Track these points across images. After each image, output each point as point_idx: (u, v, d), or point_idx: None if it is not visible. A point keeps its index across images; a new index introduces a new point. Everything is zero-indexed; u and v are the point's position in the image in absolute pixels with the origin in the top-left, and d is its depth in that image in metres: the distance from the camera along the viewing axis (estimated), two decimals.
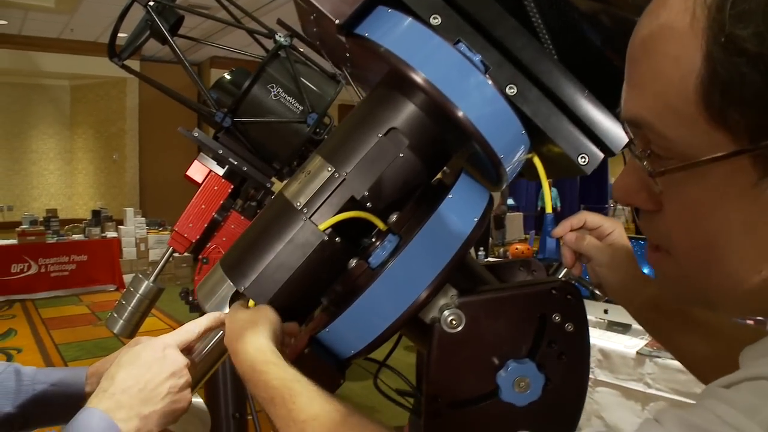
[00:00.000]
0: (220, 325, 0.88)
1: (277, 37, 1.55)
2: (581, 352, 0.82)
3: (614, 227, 0.93)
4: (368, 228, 0.85)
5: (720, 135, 0.44)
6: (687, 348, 0.89)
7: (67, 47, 10.79)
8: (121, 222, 9.76)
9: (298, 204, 0.83)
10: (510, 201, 12.33)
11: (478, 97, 0.76)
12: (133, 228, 9.62)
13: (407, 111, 0.82)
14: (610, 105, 0.80)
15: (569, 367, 0.81)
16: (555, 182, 12.54)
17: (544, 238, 0.91)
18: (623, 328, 3.08)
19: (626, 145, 0.61)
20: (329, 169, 0.83)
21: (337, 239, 0.83)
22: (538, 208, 12.58)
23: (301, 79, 1.58)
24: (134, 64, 11.10)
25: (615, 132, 0.80)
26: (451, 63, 0.76)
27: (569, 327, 0.80)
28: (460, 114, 0.74)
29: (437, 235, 0.78)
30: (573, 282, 0.86)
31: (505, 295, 0.81)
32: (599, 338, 3.01)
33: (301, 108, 1.57)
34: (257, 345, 0.77)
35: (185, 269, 9.07)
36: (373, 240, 0.84)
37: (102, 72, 11.17)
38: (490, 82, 0.76)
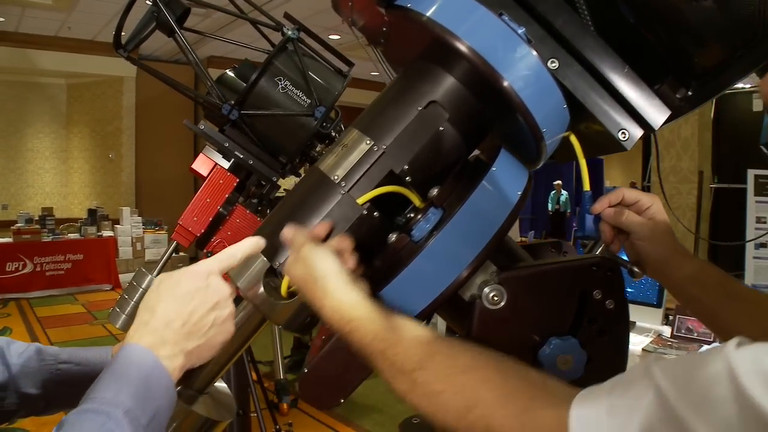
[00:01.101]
0: (260, 248, 0.83)
1: (284, 30, 1.53)
2: (622, 330, 0.81)
3: (652, 201, 0.93)
4: (404, 204, 0.83)
5: None
6: (731, 322, 0.88)
7: (65, 45, 10.74)
8: (117, 221, 9.72)
9: (336, 177, 0.81)
10: None
11: (523, 68, 0.75)
12: (129, 227, 9.59)
13: (447, 84, 0.80)
14: (649, 81, 0.79)
15: (609, 346, 0.80)
16: (567, 185, 12.58)
17: (583, 215, 0.90)
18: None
19: None
20: (368, 142, 0.81)
21: (375, 214, 0.81)
22: (530, 216, 12.58)
23: (309, 72, 1.56)
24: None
25: (655, 108, 0.79)
26: (496, 33, 0.75)
27: (610, 304, 0.79)
28: (506, 84, 0.73)
29: (483, 208, 0.76)
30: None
31: (547, 270, 0.80)
32: None
33: (308, 101, 1.55)
34: (332, 305, 0.73)
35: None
36: (411, 215, 0.83)
37: (99, 71, 11.14)
38: (535, 53, 0.75)
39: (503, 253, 0.84)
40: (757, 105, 4.91)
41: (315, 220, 0.81)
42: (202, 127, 1.57)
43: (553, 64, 0.78)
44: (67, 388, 1.02)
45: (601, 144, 0.83)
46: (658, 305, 2.97)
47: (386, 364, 0.69)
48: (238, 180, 1.62)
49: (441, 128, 0.80)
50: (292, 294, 0.81)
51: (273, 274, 0.83)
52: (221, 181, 1.59)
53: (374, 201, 0.80)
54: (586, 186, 0.88)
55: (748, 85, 5.39)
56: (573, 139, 0.82)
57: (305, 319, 0.82)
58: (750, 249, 4.33)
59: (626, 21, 0.81)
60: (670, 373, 0.52)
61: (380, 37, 0.92)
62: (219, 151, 1.61)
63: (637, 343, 2.86)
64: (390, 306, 0.75)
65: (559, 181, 12.62)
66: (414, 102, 0.81)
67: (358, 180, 0.81)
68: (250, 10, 1.66)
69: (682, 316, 2.81)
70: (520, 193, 0.79)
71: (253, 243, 0.83)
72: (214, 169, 1.60)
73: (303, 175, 0.96)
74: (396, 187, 0.80)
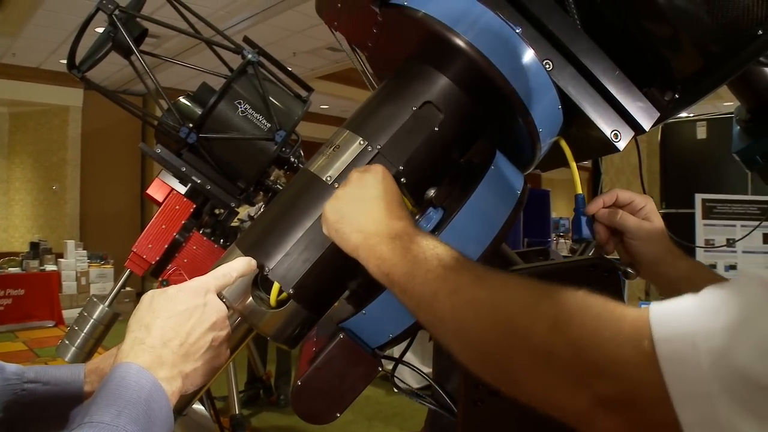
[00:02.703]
0: (253, 270, 0.78)
1: (244, 53, 1.51)
2: None
3: (646, 202, 0.94)
4: None
5: None
6: None
7: (8, 72, 10.45)
8: (60, 255, 9.40)
9: (328, 178, 0.79)
10: None
11: (521, 66, 0.74)
12: (73, 261, 9.29)
13: (441, 85, 0.80)
14: (638, 84, 0.81)
15: None
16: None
17: (578, 217, 0.90)
18: None
19: None
20: (361, 142, 0.79)
21: None
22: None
23: (269, 96, 1.54)
24: (78, 93, 10.86)
25: (645, 110, 0.81)
26: (496, 30, 0.75)
27: None
28: (505, 82, 0.72)
29: (484, 207, 0.76)
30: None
31: (545, 271, 0.80)
32: None
33: (268, 125, 1.53)
34: (354, 243, 0.70)
35: (128, 305, 8.76)
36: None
37: (44, 99, 10.87)
38: (533, 52, 0.75)
39: (498, 257, 0.84)
40: (701, 133, 5.11)
41: (307, 223, 0.78)
42: (158, 150, 1.52)
43: (548, 65, 0.78)
44: (35, 410, 0.92)
45: (590, 147, 0.84)
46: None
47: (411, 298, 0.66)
48: (195, 206, 1.57)
49: (436, 129, 0.79)
50: (281, 303, 0.78)
51: (256, 286, 0.80)
52: (177, 207, 1.55)
53: None
54: (578, 189, 0.88)
55: (692, 115, 5.61)
56: (563, 143, 0.83)
57: (294, 329, 0.79)
58: None
59: (613, 25, 0.82)
60: None
61: (368, 41, 0.91)
62: (175, 176, 1.56)
63: None
64: (391, 309, 0.73)
65: None
66: (408, 102, 0.80)
67: None
68: (213, 35, 1.64)
69: None
70: (519, 192, 0.78)
71: (246, 263, 0.79)
72: (170, 195, 1.55)
73: (291, 179, 0.93)
74: None
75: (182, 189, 1.56)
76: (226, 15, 7.49)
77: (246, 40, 1.66)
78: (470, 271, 0.65)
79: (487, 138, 0.88)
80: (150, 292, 0.74)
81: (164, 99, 1.51)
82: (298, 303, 0.78)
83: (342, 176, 0.78)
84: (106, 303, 1.52)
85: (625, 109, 0.81)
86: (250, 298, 0.78)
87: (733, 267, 4.44)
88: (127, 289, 7.19)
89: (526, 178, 0.85)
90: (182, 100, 1.65)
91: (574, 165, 0.85)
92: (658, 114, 0.82)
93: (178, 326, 0.69)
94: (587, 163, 10.02)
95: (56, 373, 0.94)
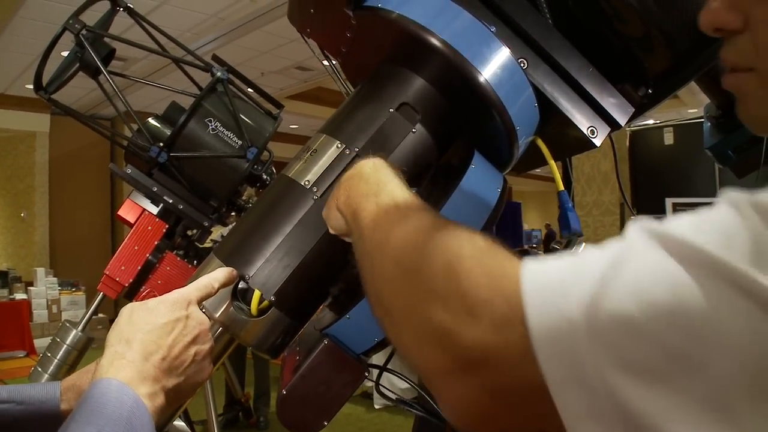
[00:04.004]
0: (234, 280, 0.76)
1: (214, 71, 1.51)
2: None
3: None
4: None
5: None
6: None
7: None
8: (30, 283, 9.22)
9: (306, 183, 0.78)
10: None
11: (498, 65, 0.75)
12: (44, 289, 9.10)
13: (417, 86, 0.80)
14: (612, 81, 0.82)
15: None
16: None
17: (564, 213, 0.90)
18: None
19: None
20: (338, 145, 0.78)
21: None
22: None
23: (239, 114, 1.54)
24: (44, 118, 10.71)
25: (620, 106, 0.81)
26: (471, 29, 0.75)
27: None
28: (482, 80, 0.72)
29: (465, 205, 0.75)
30: None
31: None
32: None
33: (240, 143, 1.52)
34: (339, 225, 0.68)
35: (102, 331, 8.60)
36: None
37: (9, 126, 10.69)
38: (508, 51, 0.75)
39: None
40: (668, 139, 5.20)
41: (287, 228, 0.77)
42: (128, 171, 1.50)
43: (523, 64, 0.79)
44: (11, 431, 0.87)
45: (567, 145, 0.85)
46: None
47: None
48: (167, 226, 1.55)
49: (413, 130, 0.79)
50: (262, 311, 0.76)
51: (236, 295, 0.78)
52: (150, 228, 1.53)
53: None
54: (560, 186, 0.88)
55: (659, 122, 5.72)
56: (540, 142, 0.83)
57: (277, 338, 0.78)
58: None
59: (584, 24, 0.84)
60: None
61: (341, 45, 0.91)
62: (147, 196, 1.55)
63: None
64: (372, 315, 0.72)
65: None
66: (385, 104, 0.79)
67: (331, 184, 0.77)
68: (184, 55, 1.64)
69: None
70: (499, 189, 0.78)
71: (227, 272, 0.77)
72: (142, 215, 1.53)
73: (268, 185, 0.92)
74: None
75: (154, 209, 1.55)
76: (192, 37, 7.47)
77: (215, 58, 1.66)
78: (406, 210, 0.63)
79: (465, 138, 0.88)
80: (129, 305, 0.72)
81: (134, 119, 1.50)
82: (280, 310, 0.77)
83: (320, 181, 0.78)
84: (79, 327, 1.49)
85: (600, 106, 0.82)
86: (231, 307, 0.76)
87: None
88: (100, 315, 7.08)
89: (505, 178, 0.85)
90: (151, 121, 1.64)
91: (552, 163, 0.85)
92: (633, 109, 0.83)
93: (160, 339, 0.67)
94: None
95: (30, 391, 0.89)
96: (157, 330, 0.68)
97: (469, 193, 0.76)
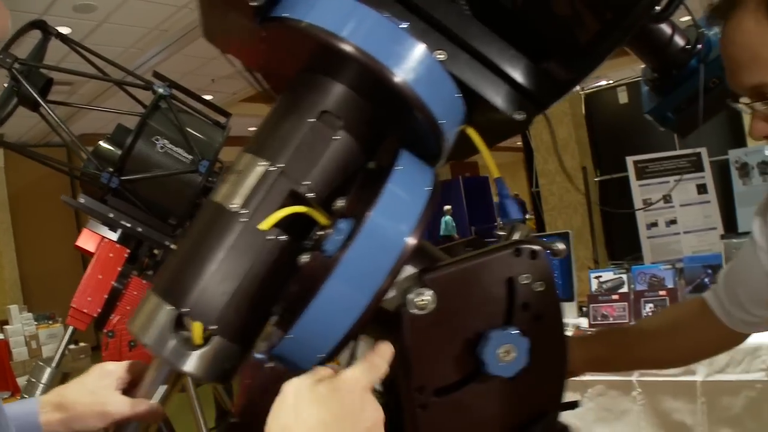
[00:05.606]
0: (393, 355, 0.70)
1: (155, 88, 1.49)
2: (555, 311, 0.80)
3: None
4: (313, 222, 0.79)
5: None
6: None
7: None
8: (5, 322, 9.04)
9: (234, 206, 0.76)
10: None
11: (413, 61, 0.73)
12: (20, 326, 8.89)
13: (336, 92, 0.78)
14: (535, 61, 0.82)
15: (548, 328, 0.79)
16: (458, 209, 12.81)
17: (503, 201, 0.89)
18: None
19: (745, 104, 0.92)
20: (262, 163, 0.77)
21: (283, 237, 0.76)
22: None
23: (186, 128, 1.52)
24: None
25: (545, 86, 0.82)
26: (381, 29, 0.73)
27: (539, 287, 0.78)
28: (398, 80, 0.71)
29: (394, 208, 0.74)
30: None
31: (471, 265, 0.78)
32: None
33: (190, 157, 1.51)
34: None
35: (84, 361, 8.46)
36: (320, 233, 0.78)
37: None
38: (423, 45, 0.74)
39: (421, 256, 0.82)
40: (623, 98, 5.26)
41: (219, 255, 0.75)
42: (82, 200, 1.48)
43: (441, 56, 0.78)
44: None
45: (498, 130, 0.84)
46: (570, 299, 3.07)
47: None
48: (129, 250, 1.54)
49: (337, 138, 0.78)
50: (206, 340, 0.75)
51: (182, 324, 0.76)
52: (111, 255, 1.51)
53: (283, 223, 0.75)
54: (495, 173, 0.87)
55: (611, 81, 5.78)
56: (470, 131, 0.83)
57: (224, 365, 0.77)
58: (643, 230, 4.58)
59: (500, 4, 0.83)
60: None
61: (259, 59, 0.90)
62: (104, 224, 1.53)
63: None
64: (315, 330, 0.71)
65: (449, 206, 12.89)
66: (303, 115, 0.78)
67: (258, 205, 0.76)
68: (124, 76, 1.61)
69: (595, 305, 2.92)
70: (429, 188, 0.78)
71: (388, 349, 0.72)
72: (102, 243, 1.51)
73: (198, 212, 0.91)
74: (298, 207, 0.76)
75: (113, 236, 1.53)
76: (137, 52, 7.35)
77: (156, 74, 1.64)
78: None
79: (392, 138, 0.88)
80: (293, 386, 0.65)
81: (81, 148, 1.48)
82: (223, 338, 0.76)
83: (247, 202, 0.76)
84: (53, 365, 1.47)
85: (525, 87, 0.82)
86: (174, 341, 0.75)
87: (673, 222, 4.59)
88: (81, 344, 6.96)
89: (458, 168, 0.85)
90: (102, 144, 1.61)
91: (486, 151, 0.85)
92: (559, 87, 0.83)
93: None
94: (519, 144, 10.18)
95: (10, 410, 0.86)
96: (328, 426, 0.61)
97: (397, 195, 0.75)
